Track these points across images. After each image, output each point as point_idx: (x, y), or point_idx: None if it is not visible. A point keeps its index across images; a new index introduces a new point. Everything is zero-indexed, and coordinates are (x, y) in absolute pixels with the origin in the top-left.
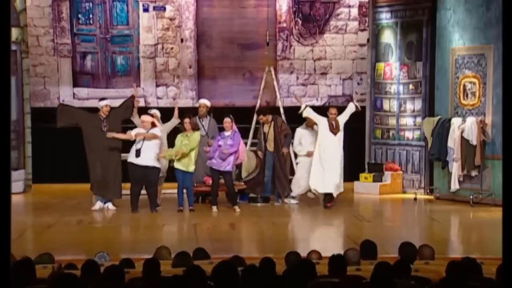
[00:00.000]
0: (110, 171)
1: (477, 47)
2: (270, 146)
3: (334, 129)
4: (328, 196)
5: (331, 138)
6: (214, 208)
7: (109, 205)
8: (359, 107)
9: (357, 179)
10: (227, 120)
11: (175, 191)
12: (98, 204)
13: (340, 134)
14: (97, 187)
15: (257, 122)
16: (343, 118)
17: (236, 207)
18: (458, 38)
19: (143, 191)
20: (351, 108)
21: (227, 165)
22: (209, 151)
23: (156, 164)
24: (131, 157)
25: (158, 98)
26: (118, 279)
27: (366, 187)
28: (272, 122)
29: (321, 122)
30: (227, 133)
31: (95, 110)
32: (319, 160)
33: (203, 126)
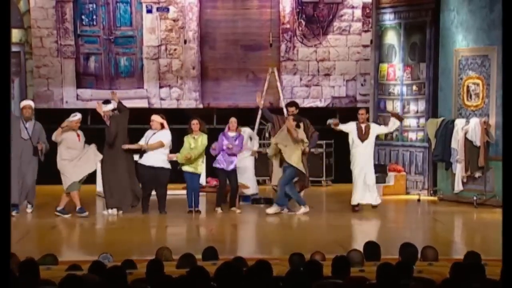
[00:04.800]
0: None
1: (481, 48)
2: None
3: (363, 135)
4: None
5: (359, 145)
6: (219, 209)
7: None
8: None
9: None
10: (233, 120)
11: (180, 192)
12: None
13: (369, 141)
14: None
15: (261, 123)
16: (377, 129)
17: (236, 208)
18: (461, 39)
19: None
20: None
21: (232, 165)
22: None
23: (165, 165)
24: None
25: (161, 99)
26: (120, 280)
27: None
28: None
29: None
30: (231, 134)
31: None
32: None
33: (26, 129)
